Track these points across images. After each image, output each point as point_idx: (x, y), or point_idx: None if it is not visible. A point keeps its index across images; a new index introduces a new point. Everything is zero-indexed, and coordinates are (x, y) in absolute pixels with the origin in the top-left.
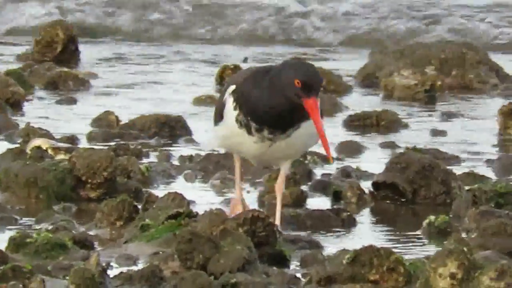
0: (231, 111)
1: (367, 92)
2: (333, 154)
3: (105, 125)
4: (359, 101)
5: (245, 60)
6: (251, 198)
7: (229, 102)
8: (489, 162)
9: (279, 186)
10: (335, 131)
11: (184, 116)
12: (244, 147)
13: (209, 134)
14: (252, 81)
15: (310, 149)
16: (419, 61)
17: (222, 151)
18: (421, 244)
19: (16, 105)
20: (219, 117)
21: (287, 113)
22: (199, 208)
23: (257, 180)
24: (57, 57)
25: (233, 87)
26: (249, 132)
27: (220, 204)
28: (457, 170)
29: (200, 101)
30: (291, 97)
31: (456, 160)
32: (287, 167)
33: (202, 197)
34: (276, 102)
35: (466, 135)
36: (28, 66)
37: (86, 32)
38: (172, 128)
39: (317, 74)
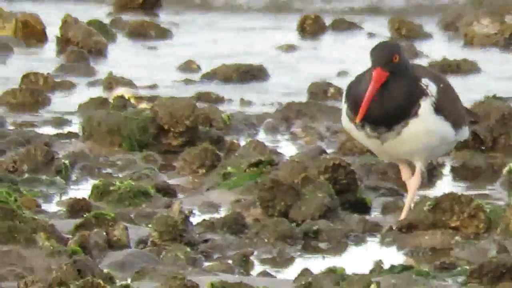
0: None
1: None
2: None
3: (187, 73)
4: None
5: None
6: None
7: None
8: None
9: (413, 181)
10: None
11: (265, 65)
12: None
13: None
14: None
15: None
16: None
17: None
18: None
19: (99, 54)
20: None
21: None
22: (281, 156)
23: None
24: (140, 6)
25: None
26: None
27: (301, 152)
28: None
29: (281, 49)
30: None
31: None
32: (419, 164)
33: (283, 146)
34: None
35: None
36: (110, 15)
37: None
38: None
39: (377, 46)
